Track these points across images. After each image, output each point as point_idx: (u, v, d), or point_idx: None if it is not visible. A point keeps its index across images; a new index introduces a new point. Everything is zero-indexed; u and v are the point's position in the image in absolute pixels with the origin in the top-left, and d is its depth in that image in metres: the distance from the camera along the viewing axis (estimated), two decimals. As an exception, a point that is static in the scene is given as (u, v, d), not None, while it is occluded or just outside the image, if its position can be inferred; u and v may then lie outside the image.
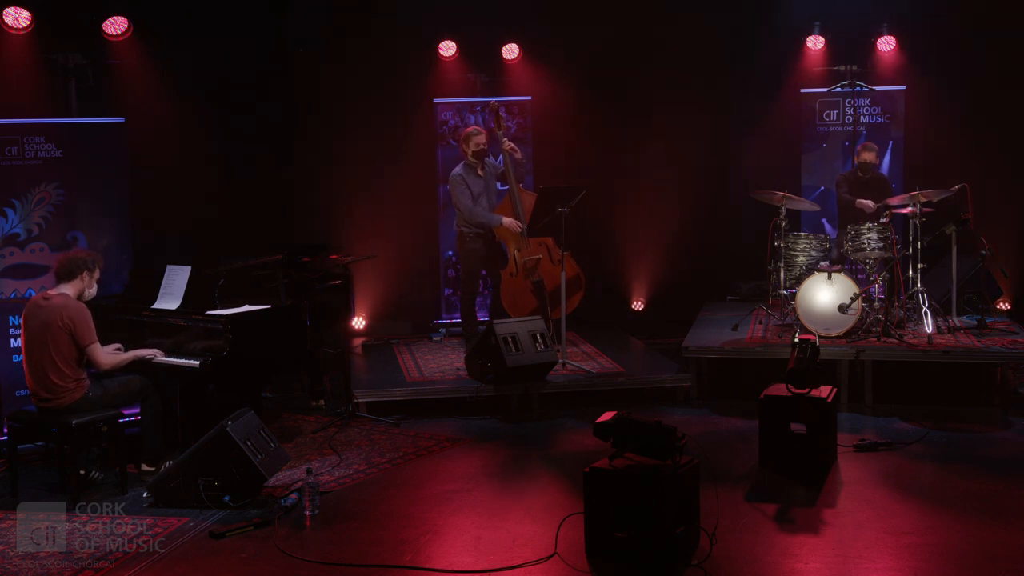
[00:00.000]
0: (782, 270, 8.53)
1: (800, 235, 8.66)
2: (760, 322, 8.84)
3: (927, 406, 7.66)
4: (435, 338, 9.85)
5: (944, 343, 7.98)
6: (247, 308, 6.75)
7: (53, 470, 6.32)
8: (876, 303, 8.53)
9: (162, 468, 6.17)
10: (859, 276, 8.95)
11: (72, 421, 5.90)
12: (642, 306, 10.86)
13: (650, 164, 10.47)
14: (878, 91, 10.13)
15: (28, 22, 8.34)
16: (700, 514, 5.15)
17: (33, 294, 7.40)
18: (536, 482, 6.32)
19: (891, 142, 10.29)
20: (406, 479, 6.31)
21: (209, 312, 6.62)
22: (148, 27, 8.86)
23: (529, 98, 10.24)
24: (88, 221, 7.97)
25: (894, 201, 8.62)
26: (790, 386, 6.24)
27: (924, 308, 8.12)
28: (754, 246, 9.28)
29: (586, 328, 9.67)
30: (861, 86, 9.61)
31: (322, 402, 8.07)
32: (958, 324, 8.65)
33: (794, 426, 6.18)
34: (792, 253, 8.59)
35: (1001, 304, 9.84)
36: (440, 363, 8.73)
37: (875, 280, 8.52)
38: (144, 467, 6.33)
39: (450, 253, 10.02)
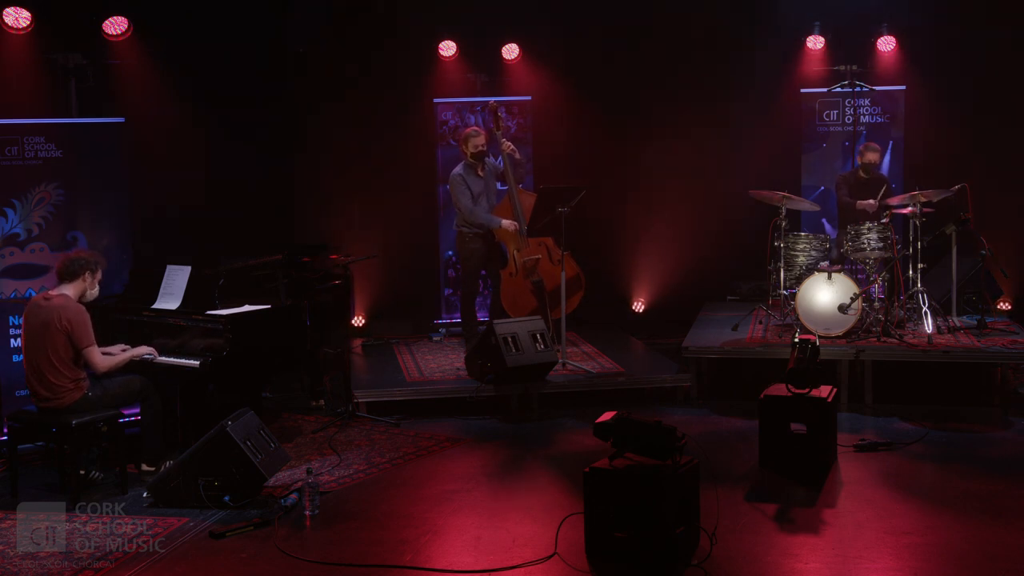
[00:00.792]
0: (782, 270, 8.53)
1: (800, 235, 8.67)
2: (760, 322, 8.84)
3: (927, 406, 7.66)
4: (435, 338, 9.85)
5: (944, 343, 7.98)
6: (247, 308, 6.75)
7: (53, 470, 6.32)
8: (876, 303, 8.53)
9: (162, 468, 6.17)
10: (859, 276, 8.95)
11: (72, 421, 5.90)
12: (642, 306, 10.85)
13: (650, 164, 10.45)
14: (878, 91, 10.12)
15: (28, 22, 8.32)
16: (700, 514, 5.15)
17: (33, 294, 7.38)
18: (536, 482, 6.32)
19: (891, 142, 10.27)
20: (406, 479, 6.31)
21: (209, 312, 6.62)
22: (148, 27, 8.85)
23: (529, 98, 10.24)
24: (88, 221, 7.95)
25: (894, 201, 8.62)
26: (790, 386, 6.24)
27: (924, 308, 8.12)
28: (754, 246, 9.27)
29: (586, 328, 9.67)
30: (861, 86, 9.60)
31: (322, 402, 8.07)
32: (958, 324, 8.65)
33: (794, 426, 6.19)
34: (792, 253, 8.59)
35: (1001, 304, 9.84)
36: (440, 363, 8.73)
37: (875, 280, 8.52)
38: (144, 467, 6.33)
39: (450, 253, 10.01)
